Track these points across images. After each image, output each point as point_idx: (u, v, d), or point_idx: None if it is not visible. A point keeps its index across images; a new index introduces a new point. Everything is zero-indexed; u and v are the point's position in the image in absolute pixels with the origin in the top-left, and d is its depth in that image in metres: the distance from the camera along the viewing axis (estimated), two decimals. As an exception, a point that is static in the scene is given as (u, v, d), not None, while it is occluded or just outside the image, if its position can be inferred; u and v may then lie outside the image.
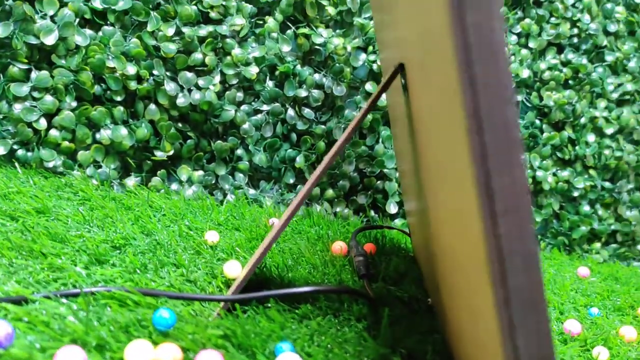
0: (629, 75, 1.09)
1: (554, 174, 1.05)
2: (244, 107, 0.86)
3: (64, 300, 0.43)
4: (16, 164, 0.75)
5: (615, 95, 1.09)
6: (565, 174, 1.05)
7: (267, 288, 0.56)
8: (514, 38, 1.01)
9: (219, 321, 0.45)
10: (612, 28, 1.07)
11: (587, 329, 0.63)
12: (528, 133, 1.02)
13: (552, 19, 1.03)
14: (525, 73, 1.00)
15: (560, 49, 1.05)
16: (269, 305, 0.50)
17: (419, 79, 0.40)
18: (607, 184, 1.09)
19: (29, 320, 0.39)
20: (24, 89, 0.75)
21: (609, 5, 1.06)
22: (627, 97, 1.10)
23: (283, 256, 0.65)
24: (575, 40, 1.05)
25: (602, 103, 1.09)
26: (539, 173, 1.03)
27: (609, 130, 1.08)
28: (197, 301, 0.49)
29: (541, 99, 1.03)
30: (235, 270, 0.56)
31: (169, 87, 0.81)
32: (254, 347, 0.42)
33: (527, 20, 1.01)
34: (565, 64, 1.05)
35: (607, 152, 1.09)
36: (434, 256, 0.48)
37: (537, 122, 1.04)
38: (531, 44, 1.02)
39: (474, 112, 0.24)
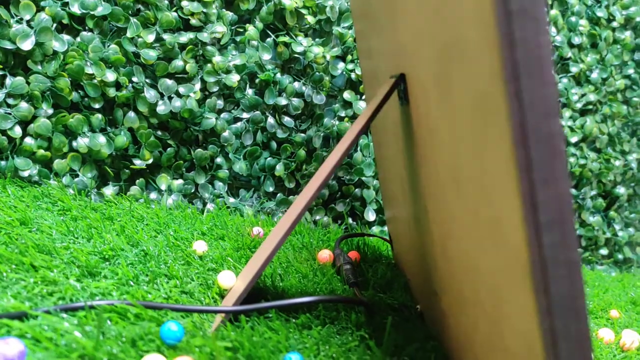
0: (591, 86, 1.14)
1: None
2: (224, 115, 0.85)
3: (63, 315, 0.41)
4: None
5: (579, 105, 1.13)
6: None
7: (263, 298, 0.56)
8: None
9: (223, 333, 0.44)
10: (576, 40, 1.11)
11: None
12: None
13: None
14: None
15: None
16: (269, 315, 0.50)
17: (427, 90, 0.40)
18: (572, 191, 1.13)
19: (33, 336, 0.37)
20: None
21: (573, 19, 1.10)
22: (590, 106, 1.14)
23: (273, 266, 0.65)
24: (543, 52, 1.09)
25: (567, 113, 1.12)
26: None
27: (574, 139, 1.12)
28: (196, 313, 0.48)
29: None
30: (229, 280, 0.55)
31: (149, 94, 0.79)
32: (262, 358, 0.42)
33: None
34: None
35: (571, 160, 1.13)
36: (433, 262, 0.49)
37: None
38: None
39: (520, 126, 0.25)
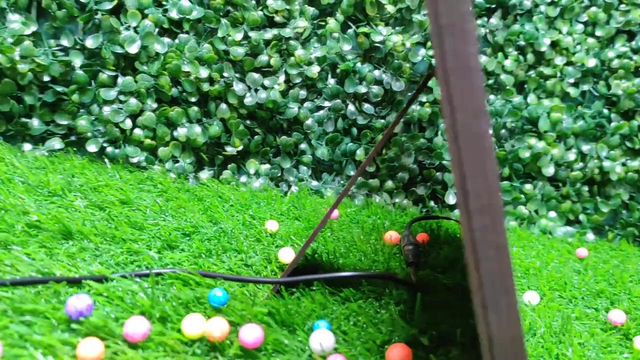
0: None
1: (623, 164, 1.04)
2: (307, 104, 0.92)
3: (137, 279, 0.50)
4: (106, 160, 0.85)
5: None
6: (635, 163, 1.03)
7: (317, 273, 0.62)
8: (580, 27, 1.00)
9: (267, 301, 0.51)
10: None
11: (633, 319, 0.64)
12: (595, 123, 1.01)
13: (622, 6, 1.01)
14: (591, 62, 0.99)
15: (630, 36, 1.03)
16: (314, 288, 0.56)
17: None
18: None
19: (107, 295, 0.47)
20: (112, 94, 0.84)
21: None
22: None
23: (337, 244, 0.71)
24: (646, 27, 1.03)
25: None
26: (606, 163, 1.02)
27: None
28: (250, 283, 0.55)
29: (609, 87, 1.02)
30: (289, 256, 0.62)
31: (238, 87, 0.88)
32: (295, 324, 0.48)
33: (594, 8, 1.00)
34: (636, 51, 1.02)
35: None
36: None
37: (605, 111, 1.02)
38: (598, 33, 1.00)
39: (452, 126, 0.28)
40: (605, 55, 1.01)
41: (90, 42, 0.83)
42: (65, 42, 0.83)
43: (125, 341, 0.41)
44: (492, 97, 0.99)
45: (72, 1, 0.82)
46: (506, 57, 0.98)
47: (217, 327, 0.42)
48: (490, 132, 0.28)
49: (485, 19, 0.97)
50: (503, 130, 0.99)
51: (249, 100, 0.88)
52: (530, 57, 0.98)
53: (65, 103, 0.84)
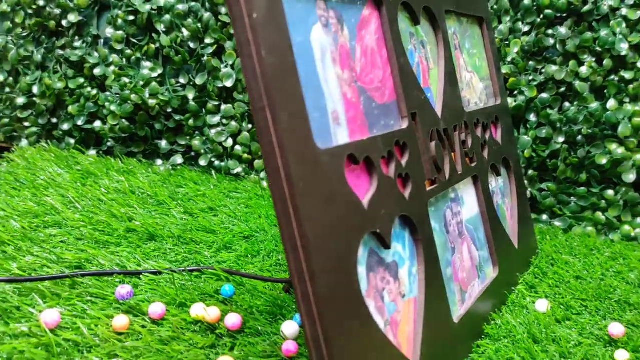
0: None
1: None
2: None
3: (176, 274, 0.69)
4: (212, 172, 1.07)
5: None
6: None
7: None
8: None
9: (275, 295, 0.66)
10: None
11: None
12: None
13: None
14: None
15: None
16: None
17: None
18: None
19: (151, 284, 0.66)
20: (216, 119, 1.05)
21: None
22: None
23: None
24: None
25: None
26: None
27: None
28: (262, 281, 0.70)
29: None
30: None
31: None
32: (281, 315, 0.62)
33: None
34: None
35: None
36: None
37: None
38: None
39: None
40: (703, 54, 0.95)
41: (199, 80, 1.04)
42: (182, 80, 1.06)
43: (150, 318, 0.60)
44: (567, 104, 1.00)
45: (185, 49, 1.04)
46: (581, 64, 0.99)
47: (211, 313, 0.59)
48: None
49: (558, 28, 0.99)
50: (579, 137, 1.00)
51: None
52: (607, 62, 0.97)
53: (183, 127, 1.08)
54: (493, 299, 0.70)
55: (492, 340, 0.64)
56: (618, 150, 0.98)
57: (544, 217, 1.03)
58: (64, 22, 1.09)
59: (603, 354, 0.62)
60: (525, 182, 1.02)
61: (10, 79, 1.13)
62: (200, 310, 0.60)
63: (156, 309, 0.59)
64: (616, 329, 0.66)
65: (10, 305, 0.58)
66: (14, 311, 0.57)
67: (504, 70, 1.00)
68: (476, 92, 0.81)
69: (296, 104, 0.42)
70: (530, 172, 1.02)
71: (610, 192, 1.00)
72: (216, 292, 0.66)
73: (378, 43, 0.57)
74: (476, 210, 0.74)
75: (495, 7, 1.00)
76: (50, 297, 0.60)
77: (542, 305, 0.71)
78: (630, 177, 0.98)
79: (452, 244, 0.64)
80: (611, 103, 0.98)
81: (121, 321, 0.57)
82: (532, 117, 1.01)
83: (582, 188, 1.01)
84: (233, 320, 0.59)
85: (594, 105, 0.98)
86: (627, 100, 0.98)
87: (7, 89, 1.12)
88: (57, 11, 1.08)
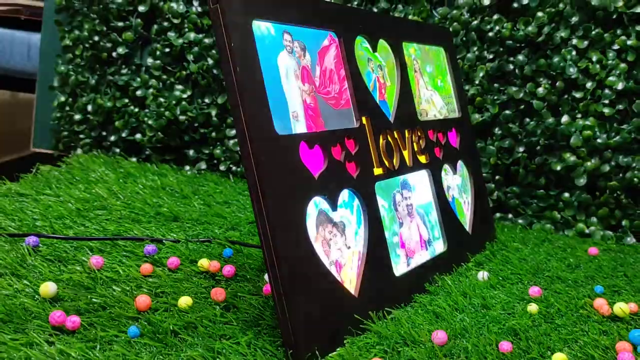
0: None
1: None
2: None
3: (191, 243, 0.90)
4: (230, 176, 1.28)
5: None
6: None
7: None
8: (611, 54, 1.13)
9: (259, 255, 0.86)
10: None
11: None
12: (632, 138, 1.13)
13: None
14: (620, 85, 1.12)
15: (670, 57, 1.12)
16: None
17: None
18: None
19: (171, 247, 0.87)
20: (234, 132, 1.27)
21: None
22: None
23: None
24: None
25: None
26: (644, 174, 1.12)
27: None
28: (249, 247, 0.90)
29: (646, 105, 1.13)
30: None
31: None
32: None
33: (624, 37, 1.12)
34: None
35: None
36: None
37: (646, 127, 1.13)
38: (629, 58, 1.12)
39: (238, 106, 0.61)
40: (642, 76, 1.12)
41: (220, 100, 1.27)
42: (206, 100, 1.29)
43: (168, 268, 0.80)
44: (527, 119, 1.18)
45: (210, 74, 1.27)
46: (537, 86, 1.17)
47: (212, 265, 0.79)
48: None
49: (517, 55, 1.17)
50: (538, 147, 1.17)
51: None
52: (560, 84, 1.15)
53: (207, 139, 1.30)
54: (439, 268, 0.88)
55: (430, 295, 0.81)
56: (571, 158, 1.15)
57: (510, 215, 1.20)
58: (113, 54, 1.34)
59: (518, 306, 0.79)
60: (492, 185, 1.20)
61: (70, 99, 1.38)
62: (205, 262, 0.80)
63: (173, 260, 0.80)
64: (534, 291, 0.83)
65: (68, 255, 0.80)
66: (71, 259, 0.79)
67: (472, 91, 1.19)
68: (436, 107, 1.00)
69: (262, 104, 0.63)
70: (497, 177, 1.20)
71: (566, 194, 1.17)
72: (219, 255, 0.86)
73: (337, 65, 0.77)
74: (430, 198, 0.92)
75: (464, 38, 1.20)
76: (97, 251, 0.82)
77: (482, 276, 0.89)
78: (582, 181, 1.14)
79: (400, 219, 0.83)
80: (565, 118, 1.16)
81: (146, 267, 0.78)
82: (497, 130, 1.19)
83: (541, 191, 1.18)
84: (228, 269, 0.79)
85: (550, 120, 1.16)
86: (578, 115, 1.16)
87: (67, 108, 1.38)
88: (109, 45, 1.33)
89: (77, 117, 1.36)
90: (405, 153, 0.86)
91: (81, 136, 1.37)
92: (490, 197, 1.20)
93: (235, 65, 0.61)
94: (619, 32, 1.13)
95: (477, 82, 1.19)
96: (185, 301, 0.69)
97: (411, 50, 0.96)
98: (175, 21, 1.30)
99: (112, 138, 1.35)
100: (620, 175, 1.13)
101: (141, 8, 1.31)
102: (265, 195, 0.61)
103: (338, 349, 0.64)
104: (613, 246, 1.11)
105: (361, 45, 0.83)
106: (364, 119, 0.78)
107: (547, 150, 1.17)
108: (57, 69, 1.38)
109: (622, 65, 1.12)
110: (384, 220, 0.79)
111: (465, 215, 1.01)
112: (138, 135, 1.33)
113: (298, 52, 0.71)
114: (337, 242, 0.70)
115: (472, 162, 1.05)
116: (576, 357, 0.67)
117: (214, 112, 1.28)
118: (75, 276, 0.73)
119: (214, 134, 1.29)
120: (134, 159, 1.34)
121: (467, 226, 1.00)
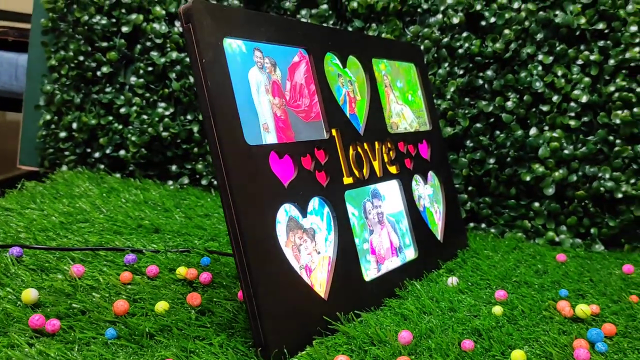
0: None
1: (634, 183, 1.17)
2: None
3: (169, 253, 0.93)
4: (212, 190, 1.31)
5: None
6: (640, 183, 1.16)
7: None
8: (575, 69, 1.18)
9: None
10: None
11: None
12: (597, 148, 1.18)
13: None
14: (584, 98, 1.17)
15: (631, 71, 1.18)
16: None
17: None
18: None
19: (151, 257, 0.90)
20: (215, 147, 1.30)
21: None
22: None
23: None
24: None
25: None
26: (610, 183, 1.17)
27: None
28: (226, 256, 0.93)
29: (610, 118, 1.18)
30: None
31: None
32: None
33: (587, 52, 1.18)
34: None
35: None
36: None
37: (611, 138, 1.17)
38: (592, 72, 1.18)
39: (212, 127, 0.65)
40: (606, 90, 1.17)
41: (201, 116, 1.30)
42: (189, 117, 1.33)
43: (147, 276, 0.83)
44: (497, 132, 1.23)
45: (191, 92, 1.31)
46: (506, 100, 1.22)
47: (189, 273, 0.82)
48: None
49: (486, 71, 1.22)
50: (508, 159, 1.22)
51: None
52: (527, 97, 1.20)
53: (190, 154, 1.33)
54: (409, 273, 0.91)
55: (400, 299, 0.85)
56: (540, 169, 1.19)
57: (483, 225, 1.24)
58: (98, 73, 1.38)
59: (483, 309, 0.83)
60: (465, 196, 1.24)
61: (56, 117, 1.41)
62: (183, 269, 0.83)
63: (152, 269, 0.83)
64: (500, 294, 0.87)
65: (50, 264, 0.83)
66: (53, 268, 0.82)
67: (444, 105, 1.23)
68: (407, 120, 1.04)
69: (232, 115, 0.67)
70: (469, 188, 1.24)
71: (536, 204, 1.21)
72: (198, 264, 0.89)
73: (307, 80, 0.81)
74: (401, 207, 0.96)
75: (435, 55, 1.25)
76: (79, 261, 0.85)
77: (451, 281, 0.93)
78: (550, 191, 1.19)
79: (370, 227, 0.87)
80: (533, 131, 1.20)
81: (126, 275, 0.81)
82: (469, 143, 1.24)
83: (512, 201, 1.22)
84: (205, 276, 0.82)
85: (519, 132, 1.20)
86: (546, 128, 1.20)
87: (53, 126, 1.41)
88: (93, 64, 1.37)
89: (63, 134, 1.39)
90: (376, 164, 0.90)
91: (66, 153, 1.40)
92: (463, 207, 1.24)
93: (207, 79, 0.65)
94: (582, 47, 1.19)
95: (448, 96, 1.23)
96: (161, 306, 0.72)
97: (381, 66, 1.00)
98: (158, 41, 1.34)
99: (97, 154, 1.38)
100: (588, 185, 1.18)
101: (125, 29, 1.35)
102: (236, 203, 0.65)
103: (307, 349, 0.67)
104: (582, 253, 1.15)
105: (331, 61, 0.87)
106: (333, 131, 0.82)
107: (516, 161, 1.21)
108: (43, 88, 1.41)
109: (586, 79, 1.17)
110: (354, 227, 0.82)
111: (437, 224, 1.05)
112: (122, 152, 1.37)
113: (269, 68, 0.75)
114: (307, 247, 0.74)
115: (443, 173, 1.09)
116: (535, 354, 0.70)
117: (195, 129, 1.32)
118: (56, 284, 0.76)
119: (196, 149, 1.32)
120: (117, 175, 1.37)
121: (439, 234, 1.04)
